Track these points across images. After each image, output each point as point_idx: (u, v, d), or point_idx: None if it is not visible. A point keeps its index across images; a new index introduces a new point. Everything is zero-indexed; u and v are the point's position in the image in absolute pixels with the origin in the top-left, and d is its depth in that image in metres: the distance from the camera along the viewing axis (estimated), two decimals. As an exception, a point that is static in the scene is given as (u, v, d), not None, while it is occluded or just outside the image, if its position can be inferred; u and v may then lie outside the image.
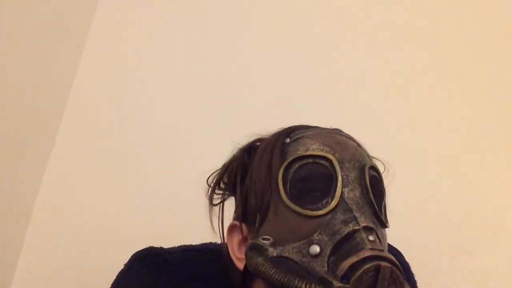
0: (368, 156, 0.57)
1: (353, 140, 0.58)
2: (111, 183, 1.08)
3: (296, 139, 0.56)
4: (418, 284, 0.72)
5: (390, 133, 1.07)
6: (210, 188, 0.64)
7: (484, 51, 1.14)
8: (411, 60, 1.16)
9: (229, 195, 0.63)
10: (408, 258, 0.74)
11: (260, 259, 0.48)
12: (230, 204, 0.63)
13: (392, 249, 0.72)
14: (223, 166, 0.63)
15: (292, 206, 0.50)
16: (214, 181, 0.63)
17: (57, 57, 1.13)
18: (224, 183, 0.63)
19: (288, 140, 0.56)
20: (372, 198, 0.50)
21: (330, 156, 0.51)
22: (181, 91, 1.16)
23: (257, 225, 0.53)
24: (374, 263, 0.43)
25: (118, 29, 1.24)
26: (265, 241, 0.50)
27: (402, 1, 1.22)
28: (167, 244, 0.69)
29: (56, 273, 0.99)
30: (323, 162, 0.52)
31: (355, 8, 1.22)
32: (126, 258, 0.66)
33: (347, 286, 0.42)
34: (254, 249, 0.50)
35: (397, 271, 0.44)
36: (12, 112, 0.98)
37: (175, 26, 1.23)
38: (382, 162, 0.63)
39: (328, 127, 0.60)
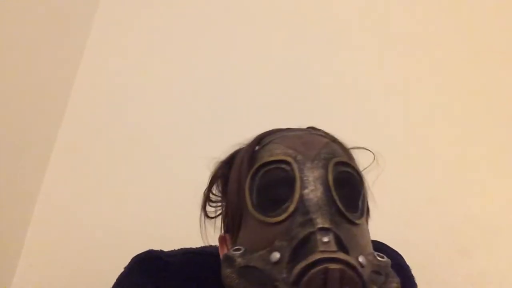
0: (345, 150, 0.56)
1: (326, 136, 0.57)
2: (111, 185, 1.08)
3: (264, 145, 0.56)
4: (418, 286, 0.71)
5: (390, 135, 1.07)
6: (202, 202, 0.64)
7: (486, 54, 1.14)
8: (412, 62, 1.16)
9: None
10: (408, 260, 0.74)
11: (228, 271, 0.48)
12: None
13: (392, 252, 0.72)
14: (209, 180, 0.64)
15: (256, 214, 0.50)
16: (204, 196, 0.64)
17: (58, 57, 1.13)
18: (215, 195, 0.64)
19: (257, 147, 0.56)
20: (335, 195, 0.48)
21: (289, 159, 0.51)
22: (182, 93, 1.16)
23: (234, 236, 0.54)
24: (322, 266, 0.42)
25: (120, 29, 1.24)
26: (235, 252, 0.50)
27: (402, 2, 1.22)
28: (167, 247, 0.69)
29: (56, 275, 0.99)
30: (283, 166, 0.51)
31: (356, 10, 1.22)
32: (126, 261, 0.66)
33: None
34: (226, 261, 0.50)
35: (350, 272, 0.42)
36: (13, 112, 0.98)
37: (176, 27, 1.23)
38: (372, 153, 0.62)
39: (300, 127, 0.60)
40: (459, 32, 1.17)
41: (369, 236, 0.53)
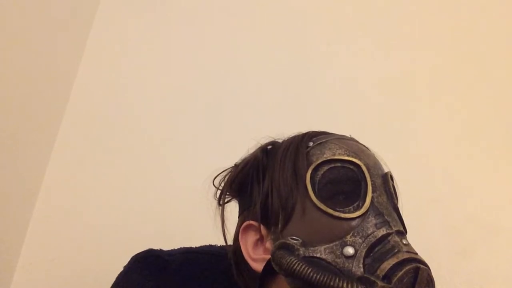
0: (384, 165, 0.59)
1: (369, 149, 0.59)
2: (111, 185, 1.08)
3: (320, 143, 0.56)
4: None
5: (390, 137, 1.07)
6: (222, 188, 0.63)
7: (484, 55, 1.14)
8: (412, 65, 1.15)
9: (233, 197, 0.63)
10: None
11: (293, 258, 0.47)
12: (230, 206, 0.62)
13: None
14: (237, 166, 0.62)
15: (323, 207, 0.50)
16: (227, 181, 0.62)
17: (59, 57, 1.13)
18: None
19: (311, 143, 0.57)
20: (396, 203, 0.53)
21: (358, 161, 0.53)
22: (181, 94, 1.16)
23: (280, 225, 0.53)
24: (414, 265, 0.45)
25: (120, 30, 1.24)
26: (294, 241, 0.50)
27: (404, 3, 1.22)
28: (166, 246, 0.69)
29: (55, 275, 0.99)
30: (351, 167, 0.53)
31: (358, 10, 1.22)
32: (125, 260, 0.66)
33: (389, 286, 0.44)
34: (284, 249, 0.49)
35: (432, 274, 0.47)
36: (13, 111, 0.98)
37: (177, 27, 1.23)
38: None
39: (348, 135, 0.61)
40: (458, 32, 1.17)
41: None
